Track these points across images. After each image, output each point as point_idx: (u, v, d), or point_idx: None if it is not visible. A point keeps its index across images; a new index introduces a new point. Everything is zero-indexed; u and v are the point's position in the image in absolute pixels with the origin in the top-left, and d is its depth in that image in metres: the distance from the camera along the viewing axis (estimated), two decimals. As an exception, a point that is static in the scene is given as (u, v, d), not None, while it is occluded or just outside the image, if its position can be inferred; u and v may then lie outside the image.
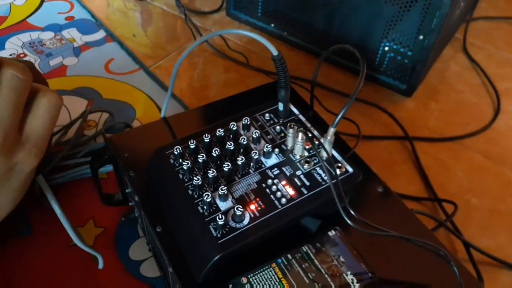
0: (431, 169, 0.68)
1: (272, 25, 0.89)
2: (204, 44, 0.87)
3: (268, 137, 0.45)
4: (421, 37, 0.72)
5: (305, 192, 0.41)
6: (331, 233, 0.43)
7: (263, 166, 0.43)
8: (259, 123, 0.47)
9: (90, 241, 0.55)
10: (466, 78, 0.86)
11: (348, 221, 0.38)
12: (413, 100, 0.81)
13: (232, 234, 0.37)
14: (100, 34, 0.88)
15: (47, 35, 0.87)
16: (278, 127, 0.46)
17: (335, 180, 0.40)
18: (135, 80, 0.78)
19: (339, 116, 0.39)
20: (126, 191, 0.51)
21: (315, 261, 0.40)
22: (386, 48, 0.77)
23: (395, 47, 0.76)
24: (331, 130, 0.41)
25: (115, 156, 0.49)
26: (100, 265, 0.50)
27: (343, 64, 0.84)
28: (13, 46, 0.83)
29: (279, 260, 0.40)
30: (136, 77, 0.79)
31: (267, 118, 0.47)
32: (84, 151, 0.62)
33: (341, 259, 0.41)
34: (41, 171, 0.56)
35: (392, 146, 0.73)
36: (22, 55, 0.81)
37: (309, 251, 0.41)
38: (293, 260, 0.40)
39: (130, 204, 0.53)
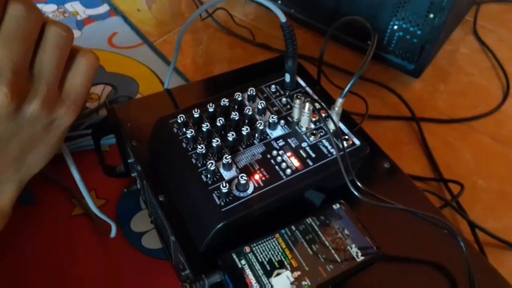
0: (438, 150, 0.67)
1: (279, 1, 0.87)
2: (209, 20, 0.86)
3: (274, 108, 0.44)
4: (431, 15, 0.70)
5: (311, 163, 0.40)
6: (336, 206, 0.42)
7: (268, 137, 0.42)
8: (265, 94, 0.46)
9: (91, 212, 0.54)
10: (476, 60, 0.84)
11: (355, 193, 0.37)
12: (421, 81, 0.79)
13: (236, 203, 0.37)
14: (104, 8, 0.86)
15: (50, 8, 0.86)
16: (284, 99, 0.45)
17: (342, 152, 0.39)
18: (139, 55, 0.77)
19: (348, 86, 0.38)
20: (128, 161, 0.51)
21: (319, 233, 0.40)
22: (395, 27, 0.76)
23: (404, 26, 0.75)
24: (339, 101, 0.40)
25: (117, 125, 0.48)
26: (113, 233, 0.50)
27: (351, 43, 0.82)
28: (16, 17, 0.82)
29: (283, 231, 0.39)
30: (139, 52, 0.78)
31: (273, 90, 0.46)
32: (86, 124, 0.61)
33: (346, 232, 0.40)
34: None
35: (399, 127, 0.72)
36: (24, 27, 0.80)
37: (313, 223, 0.40)
38: (296, 231, 0.39)
39: (132, 175, 0.53)
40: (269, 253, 0.38)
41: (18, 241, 0.51)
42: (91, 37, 0.80)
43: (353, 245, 0.39)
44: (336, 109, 0.40)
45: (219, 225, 0.35)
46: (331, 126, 0.41)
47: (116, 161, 0.55)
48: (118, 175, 0.54)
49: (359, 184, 0.38)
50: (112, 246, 0.51)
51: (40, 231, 0.52)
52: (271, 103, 0.45)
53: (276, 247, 0.38)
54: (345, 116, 0.44)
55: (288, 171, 0.39)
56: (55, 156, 0.58)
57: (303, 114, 0.41)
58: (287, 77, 0.45)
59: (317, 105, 0.43)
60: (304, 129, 0.42)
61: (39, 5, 0.86)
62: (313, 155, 0.40)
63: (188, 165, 0.39)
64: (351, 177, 0.38)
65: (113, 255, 0.51)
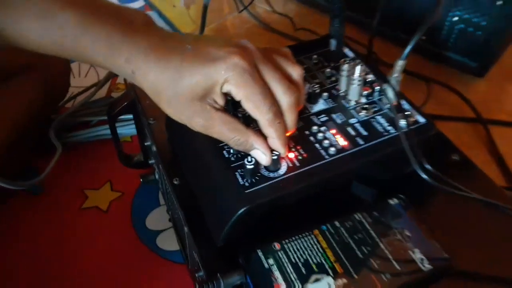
0: (511, 156, 0.56)
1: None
2: (247, 15, 0.81)
3: (315, 81, 0.37)
4: (499, 2, 0.61)
5: (361, 143, 0.32)
6: (393, 201, 0.33)
7: (306, 111, 0.34)
8: (305, 65, 0.38)
9: (104, 206, 0.48)
10: (551, 59, 0.73)
11: (425, 177, 0.28)
12: (485, 81, 0.69)
13: (264, 184, 0.29)
14: (139, 3, 0.84)
15: (86, 3, 0.84)
16: (328, 70, 0.37)
17: (406, 129, 0.30)
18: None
19: (412, 43, 0.30)
20: (145, 144, 0.44)
21: (372, 232, 0.31)
22: (455, 19, 0.66)
23: (466, 16, 0.65)
24: (400, 64, 0.31)
25: (135, 103, 0.42)
26: None
27: (396, 37, 0.73)
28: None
29: (324, 227, 0.31)
30: (172, 46, 0.74)
31: (315, 61, 0.39)
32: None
33: (406, 233, 0.31)
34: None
35: (461, 129, 0.62)
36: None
37: (363, 220, 0.31)
38: (342, 228, 0.31)
39: (150, 162, 0.46)
40: (306, 252, 0.29)
41: (24, 231, 0.47)
42: (124, 31, 0.77)
43: (417, 250, 0.30)
44: (396, 75, 0.32)
45: (241, 211, 0.28)
46: (390, 95, 0.33)
47: (137, 152, 0.49)
48: (136, 165, 0.48)
49: (429, 167, 0.29)
50: (123, 244, 0.45)
51: (47, 222, 0.47)
52: (312, 74, 0.37)
53: (315, 246, 0.30)
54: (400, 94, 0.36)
55: (332, 150, 0.31)
56: (72, 143, 0.54)
57: (352, 83, 0.33)
58: (332, 43, 0.37)
59: (369, 77, 0.35)
60: (353, 103, 0.34)
61: None
62: (365, 133, 0.32)
63: (208, 139, 0.32)
64: (419, 159, 0.29)
65: (123, 253, 0.44)
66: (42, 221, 0.47)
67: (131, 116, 0.45)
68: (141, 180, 0.47)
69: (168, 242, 0.45)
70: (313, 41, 0.49)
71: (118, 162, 0.48)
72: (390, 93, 0.32)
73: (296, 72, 0.30)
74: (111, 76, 0.61)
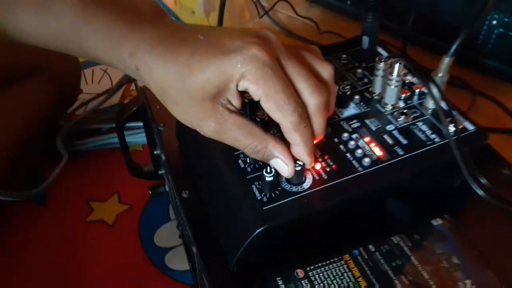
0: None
1: (349, 2, 0.76)
2: (268, 21, 0.78)
3: (345, 83, 0.32)
4: (545, 3, 0.56)
5: (401, 153, 0.27)
6: (437, 222, 0.28)
7: (335, 116, 0.30)
8: (334, 66, 0.34)
9: (110, 219, 0.45)
10: None
11: (479, 191, 0.23)
12: (527, 90, 0.63)
13: (285, 200, 0.24)
14: (157, 9, 0.82)
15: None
16: (359, 71, 0.33)
17: (456, 137, 0.25)
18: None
19: (460, 39, 0.26)
20: (155, 152, 0.41)
21: (412, 258, 0.26)
22: (494, 22, 0.61)
23: (506, 19, 0.60)
24: (446, 61, 0.27)
25: (145, 108, 0.39)
26: None
27: (429, 44, 0.68)
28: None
29: (356, 252, 0.26)
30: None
31: (344, 62, 0.34)
32: (119, 118, 0.53)
33: (454, 260, 0.26)
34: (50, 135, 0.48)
35: (504, 142, 0.56)
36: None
37: (402, 244, 0.27)
38: (377, 253, 0.26)
39: (159, 172, 0.43)
40: (335, 282, 0.25)
41: (26, 242, 0.44)
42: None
43: (468, 282, 0.25)
44: (441, 74, 0.27)
45: (258, 231, 0.23)
46: (430, 105, 0.29)
47: (148, 162, 0.46)
48: (146, 176, 0.44)
49: (485, 181, 0.24)
50: (128, 261, 0.41)
51: (50, 234, 0.44)
52: (341, 76, 0.33)
53: (345, 274, 0.25)
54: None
55: (366, 161, 0.26)
56: (81, 151, 0.51)
57: (389, 83, 0.29)
58: (365, 41, 0.33)
59: (408, 79, 0.30)
60: (389, 107, 0.30)
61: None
62: (404, 142, 0.28)
63: (221, 147, 0.28)
64: (472, 171, 0.24)
65: (128, 271, 0.40)
66: (44, 233, 0.44)
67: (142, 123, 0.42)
68: (150, 192, 0.43)
69: (178, 261, 0.41)
70: (342, 42, 0.45)
71: (127, 172, 0.44)
72: (436, 94, 0.27)
73: (326, 70, 0.26)
74: (124, 82, 0.58)
